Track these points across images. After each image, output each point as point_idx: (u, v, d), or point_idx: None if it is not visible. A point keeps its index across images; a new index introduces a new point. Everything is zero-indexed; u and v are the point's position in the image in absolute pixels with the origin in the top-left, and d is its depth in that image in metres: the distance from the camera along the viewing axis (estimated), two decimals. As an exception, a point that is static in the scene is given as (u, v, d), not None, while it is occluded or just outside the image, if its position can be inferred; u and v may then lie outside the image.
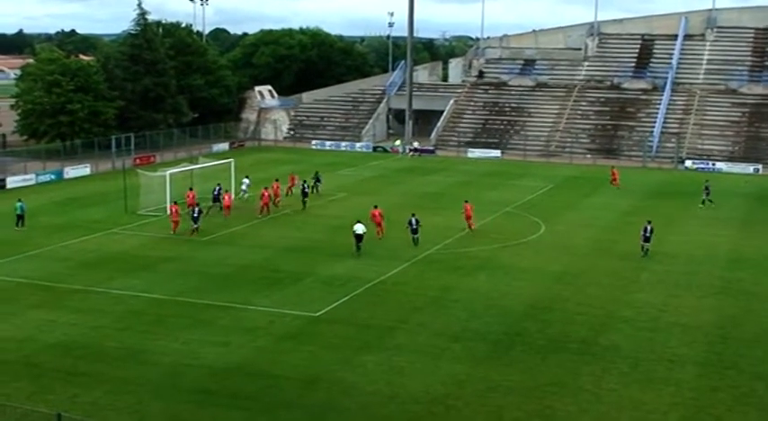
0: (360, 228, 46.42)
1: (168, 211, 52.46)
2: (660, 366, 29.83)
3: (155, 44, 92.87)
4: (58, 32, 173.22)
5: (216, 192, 57.27)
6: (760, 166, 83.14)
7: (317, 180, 64.89)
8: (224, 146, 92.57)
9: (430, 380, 28.18)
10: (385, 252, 45.98)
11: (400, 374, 28.73)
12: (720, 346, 32.15)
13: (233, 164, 63.61)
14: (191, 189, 56.88)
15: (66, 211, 57.45)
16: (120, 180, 58.87)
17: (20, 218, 51.57)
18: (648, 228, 46.71)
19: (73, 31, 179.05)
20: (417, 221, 48.27)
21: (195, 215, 50.35)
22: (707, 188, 63.15)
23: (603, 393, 27.44)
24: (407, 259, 44.51)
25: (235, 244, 47.99)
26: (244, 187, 61.43)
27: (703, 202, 62.27)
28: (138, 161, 77.25)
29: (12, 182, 67.81)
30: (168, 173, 56.70)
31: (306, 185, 60.03)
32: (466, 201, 53.60)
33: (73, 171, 73.62)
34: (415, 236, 47.91)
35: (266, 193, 56.32)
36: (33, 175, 70.39)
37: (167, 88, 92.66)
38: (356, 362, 29.83)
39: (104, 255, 45.18)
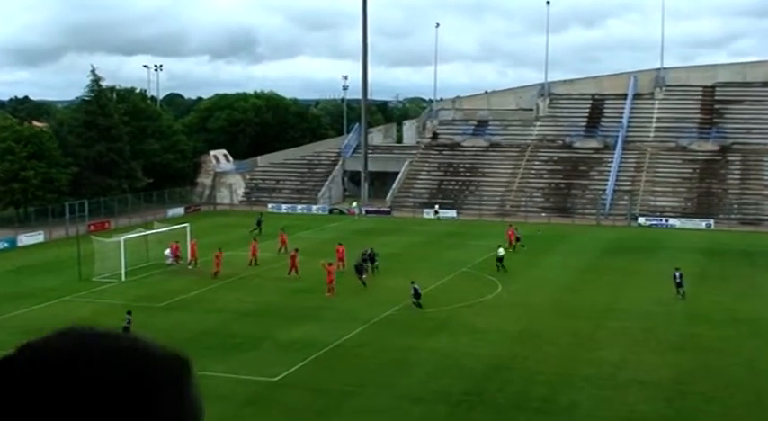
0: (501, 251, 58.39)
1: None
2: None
3: (108, 110, 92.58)
4: (10, 99, 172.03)
5: (368, 254, 57.63)
6: (712, 222, 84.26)
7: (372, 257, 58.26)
8: (179, 210, 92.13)
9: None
10: (343, 314, 45.78)
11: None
12: (679, 402, 32.26)
13: (188, 228, 63.36)
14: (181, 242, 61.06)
15: (20, 280, 56.64)
16: (74, 247, 58.32)
17: (-28, 287, 50.84)
18: (677, 274, 50.07)
19: (26, 97, 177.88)
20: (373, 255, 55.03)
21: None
22: (517, 238, 68.32)
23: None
24: (366, 321, 44.34)
25: (191, 309, 47.56)
26: (167, 252, 61.31)
27: (523, 245, 67.51)
28: (92, 227, 76.44)
29: (-37, 251, 66.86)
30: (122, 239, 56.36)
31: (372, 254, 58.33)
32: (339, 244, 59.86)
33: (26, 238, 72.81)
34: (374, 265, 54.73)
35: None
36: (-15, 244, 69.52)
37: (121, 154, 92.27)
38: (316, 427, 29.54)
39: (58, 323, 43.21)
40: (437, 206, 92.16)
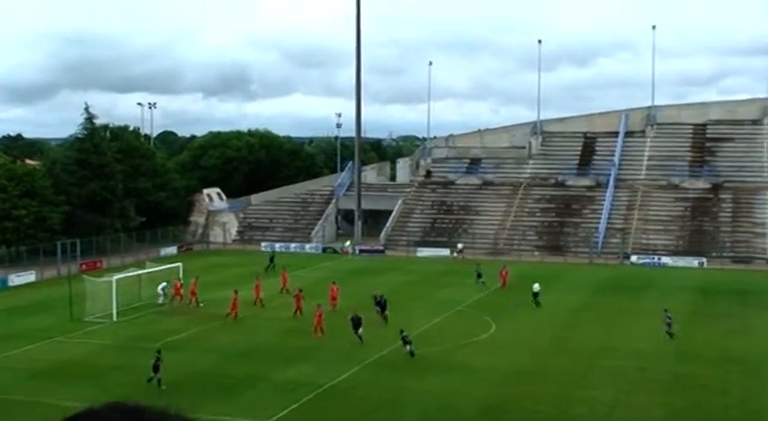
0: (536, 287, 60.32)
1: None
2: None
3: (102, 148, 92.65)
4: (3, 137, 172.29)
5: (378, 300, 55.16)
6: (704, 260, 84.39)
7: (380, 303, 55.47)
8: (172, 249, 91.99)
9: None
10: (337, 354, 45.65)
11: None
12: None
13: (181, 268, 63.30)
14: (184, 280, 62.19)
15: (11, 320, 56.41)
16: (65, 286, 58.26)
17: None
18: (668, 316, 49.53)
19: (19, 135, 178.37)
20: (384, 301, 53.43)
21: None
22: (479, 273, 69.05)
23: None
24: (360, 361, 44.18)
25: (185, 349, 47.33)
26: (161, 291, 61.15)
27: (476, 283, 68.29)
28: (84, 267, 76.38)
29: (-45, 290, 66.60)
30: (114, 278, 56.27)
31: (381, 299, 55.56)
32: (333, 283, 60.04)
33: (18, 278, 72.49)
34: (385, 312, 52.97)
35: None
36: (-23, 284, 69.30)
37: (114, 192, 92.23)
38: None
39: (50, 364, 44.31)
40: (460, 245, 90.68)
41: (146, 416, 1.66)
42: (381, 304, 54.82)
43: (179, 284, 61.80)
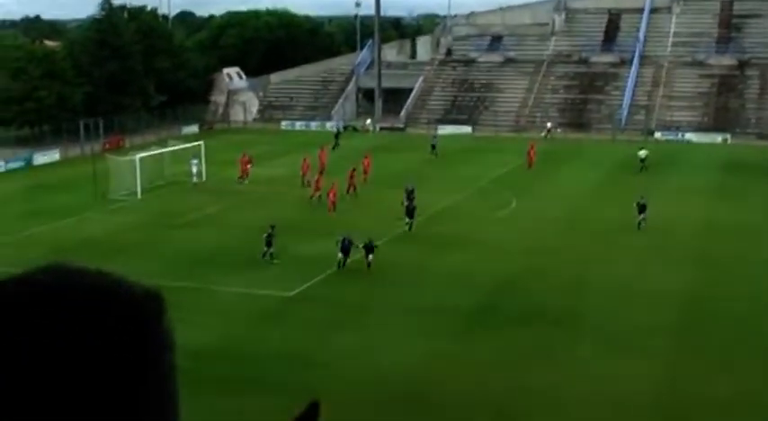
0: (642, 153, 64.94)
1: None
2: (633, 336, 30.13)
3: (120, 28, 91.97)
4: (22, 19, 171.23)
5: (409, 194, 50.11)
6: (729, 136, 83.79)
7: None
8: (193, 128, 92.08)
9: (406, 358, 28.31)
10: (360, 231, 45.82)
11: (377, 353, 28.85)
12: (691, 316, 32.49)
13: (203, 146, 63.39)
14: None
15: (37, 198, 56.89)
16: (89, 165, 58.62)
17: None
18: (642, 202, 47.12)
19: (38, 16, 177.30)
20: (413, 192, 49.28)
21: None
22: (433, 144, 74.32)
23: (578, 364, 27.72)
24: (380, 237, 44.41)
25: (209, 225, 47.82)
26: (194, 169, 61.04)
27: (431, 153, 73.19)
28: (107, 146, 76.61)
29: (-20, 170, 67.21)
30: (138, 157, 56.53)
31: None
32: (366, 156, 61.38)
33: (42, 157, 73.03)
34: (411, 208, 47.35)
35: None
36: (2, 163, 69.74)
37: (134, 72, 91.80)
38: (332, 341, 29.93)
39: (76, 240, 44.90)
40: (549, 123, 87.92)
41: (84, 280, 1.62)
42: (410, 209, 47.88)
43: (247, 159, 61.91)
